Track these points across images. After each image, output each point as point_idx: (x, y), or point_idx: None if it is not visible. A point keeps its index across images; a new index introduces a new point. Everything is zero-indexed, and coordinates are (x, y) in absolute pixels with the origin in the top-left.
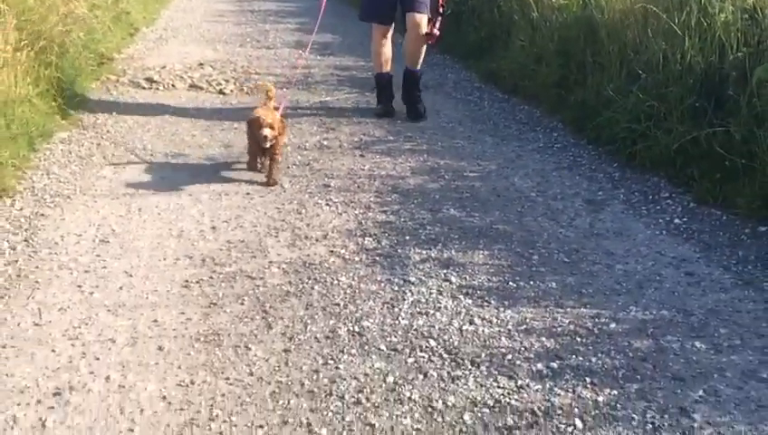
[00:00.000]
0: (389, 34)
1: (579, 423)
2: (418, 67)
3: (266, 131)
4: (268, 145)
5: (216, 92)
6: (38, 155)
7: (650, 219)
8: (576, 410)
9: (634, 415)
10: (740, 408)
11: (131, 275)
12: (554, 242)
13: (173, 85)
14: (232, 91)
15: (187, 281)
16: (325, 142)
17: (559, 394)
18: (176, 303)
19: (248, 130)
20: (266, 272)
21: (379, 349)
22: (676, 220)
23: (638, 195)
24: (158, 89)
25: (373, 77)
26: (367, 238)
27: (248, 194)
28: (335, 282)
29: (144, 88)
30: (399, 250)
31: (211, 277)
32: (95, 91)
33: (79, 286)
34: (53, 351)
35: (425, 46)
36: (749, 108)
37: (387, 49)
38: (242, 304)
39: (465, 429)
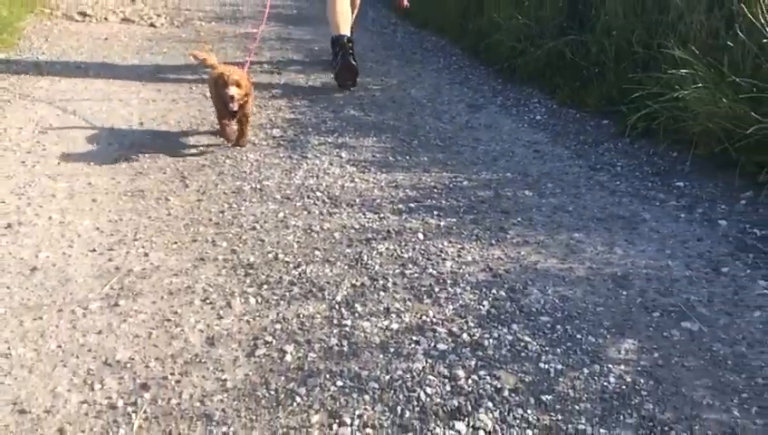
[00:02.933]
0: None
1: (421, 236)
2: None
3: (233, 90)
4: (236, 107)
5: (147, 25)
6: None
7: (517, 117)
8: (421, 229)
9: (464, 232)
10: (545, 228)
11: (68, 155)
12: (434, 132)
13: (105, 18)
14: (162, 24)
15: (116, 158)
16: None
17: (410, 221)
18: (107, 172)
19: (212, 91)
20: (186, 152)
21: (275, 198)
22: (538, 117)
23: (512, 100)
24: (90, 21)
25: (330, 41)
26: (275, 129)
27: (174, 100)
28: (244, 158)
29: (77, 20)
30: (302, 137)
31: (138, 155)
32: (29, 21)
33: (23, 162)
34: (3, 202)
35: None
36: (602, 24)
37: (346, 6)
38: (164, 173)
39: (333, 241)
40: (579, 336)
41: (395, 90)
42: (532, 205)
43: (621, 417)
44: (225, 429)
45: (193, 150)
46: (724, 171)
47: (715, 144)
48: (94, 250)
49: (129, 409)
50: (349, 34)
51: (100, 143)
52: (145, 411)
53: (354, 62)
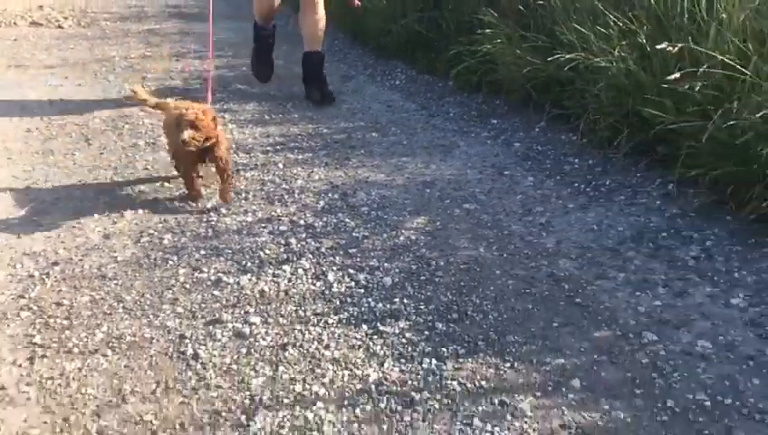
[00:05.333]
0: None
1: (281, 166)
2: (319, 48)
3: (186, 134)
4: (192, 148)
5: (54, 27)
6: None
7: (381, 83)
8: (282, 162)
9: (316, 161)
10: (381, 156)
11: None
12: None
13: (14, 23)
14: (70, 25)
15: (28, 129)
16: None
17: (274, 157)
18: (20, 138)
19: (167, 136)
20: (90, 122)
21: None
22: (398, 82)
23: (379, 71)
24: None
25: (253, 30)
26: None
27: (79, 85)
28: (142, 123)
29: None
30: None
31: (48, 126)
32: None
33: None
34: None
35: (324, 23)
36: (445, 2)
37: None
38: (70, 137)
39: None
40: (386, 217)
41: (280, 69)
42: (375, 142)
43: (402, 257)
44: (116, 282)
45: (96, 120)
46: (528, 109)
47: (520, 88)
48: (11, 190)
49: (44, 277)
50: (271, 28)
51: (13, 119)
52: (55, 277)
53: (270, 68)
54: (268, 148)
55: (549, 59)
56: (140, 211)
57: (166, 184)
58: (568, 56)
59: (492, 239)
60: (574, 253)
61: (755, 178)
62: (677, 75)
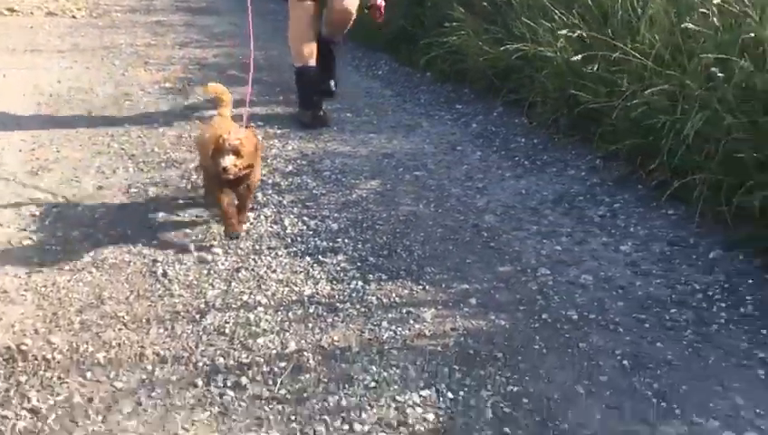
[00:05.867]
0: (315, 12)
1: (260, 138)
2: (338, 39)
3: (228, 161)
4: (231, 177)
5: (69, 17)
6: None
7: (364, 74)
8: (261, 134)
9: (291, 136)
10: (351, 132)
11: (4, 104)
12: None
13: (31, 13)
14: (82, 15)
15: (38, 103)
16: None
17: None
18: (32, 109)
19: (200, 154)
20: (94, 98)
21: (159, 120)
22: (380, 72)
23: (365, 63)
24: (17, 15)
25: (294, 72)
26: (167, 83)
27: (87, 68)
28: (140, 100)
29: (5, 15)
30: (189, 86)
31: (56, 100)
32: None
33: None
34: None
35: (355, 11)
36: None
37: (313, 33)
38: (75, 109)
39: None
40: (344, 179)
41: (274, 59)
42: (348, 121)
43: (351, 209)
44: (104, 221)
45: (99, 96)
46: (490, 95)
47: (483, 77)
48: (21, 150)
49: (44, 216)
50: (315, 65)
51: (26, 94)
52: (53, 217)
53: (323, 113)
54: (250, 124)
55: (500, 48)
56: (131, 170)
57: (155, 149)
58: (516, 46)
59: (432, 199)
60: (499, 210)
61: (657, 149)
62: (579, 57)
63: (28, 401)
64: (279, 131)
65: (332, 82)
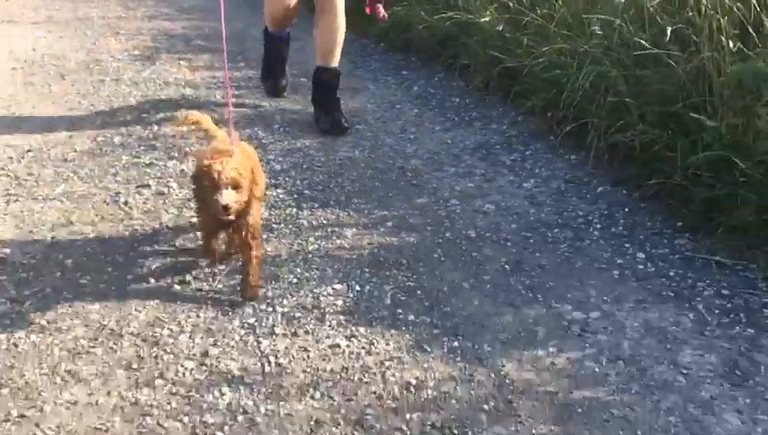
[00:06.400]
0: None
1: (219, 98)
2: (335, 63)
3: (226, 197)
4: (231, 216)
5: None
6: None
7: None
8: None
9: (247, 100)
10: (303, 94)
11: None
12: (250, 40)
13: None
14: None
15: (14, 67)
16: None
17: (215, 93)
18: (8, 73)
19: (195, 189)
20: (66, 63)
21: (133, 82)
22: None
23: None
24: None
25: (263, 36)
26: (135, 51)
27: (60, 37)
28: (110, 66)
29: None
30: (156, 54)
31: (30, 66)
32: None
33: None
34: None
35: (343, 31)
36: None
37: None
38: (49, 74)
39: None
40: (290, 131)
41: (239, 31)
42: (301, 85)
43: (294, 155)
44: (74, 163)
45: (71, 63)
46: (434, 62)
47: (428, 45)
48: None
49: (20, 158)
50: (287, 28)
51: (2, 61)
52: (28, 159)
53: (282, 83)
54: (212, 85)
55: (435, 17)
56: (99, 122)
57: (122, 106)
58: (449, 14)
59: (367, 147)
60: (425, 156)
61: (565, 102)
62: (501, 26)
63: (8, 292)
64: (237, 92)
65: (339, 115)
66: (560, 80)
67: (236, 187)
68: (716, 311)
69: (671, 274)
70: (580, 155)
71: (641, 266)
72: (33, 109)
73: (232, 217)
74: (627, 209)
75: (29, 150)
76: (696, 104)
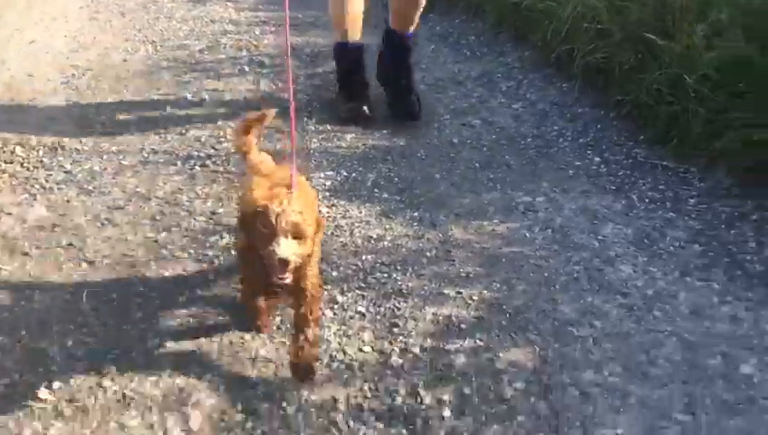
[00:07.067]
0: None
1: (257, 31)
2: (411, 29)
3: (285, 249)
4: (287, 280)
5: None
6: None
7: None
8: (258, 30)
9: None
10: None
11: (57, 8)
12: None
13: None
14: None
15: (81, 6)
16: None
17: (255, 30)
18: (75, 11)
19: (240, 238)
20: (126, 3)
21: (180, 20)
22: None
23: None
24: None
25: (332, 50)
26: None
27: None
28: (165, 7)
29: None
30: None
31: (96, 4)
32: None
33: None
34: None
35: None
36: None
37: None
38: (111, 12)
39: (213, 43)
40: (317, 61)
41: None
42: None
43: (314, 80)
44: (127, 74)
45: (131, 3)
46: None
47: None
48: (66, 36)
49: (81, 75)
50: (358, 39)
51: (70, 3)
52: (88, 77)
53: (365, 108)
54: (252, 23)
55: None
56: (150, 50)
57: (171, 37)
58: None
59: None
60: (431, 82)
61: (556, 31)
62: None
63: (64, 167)
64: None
65: (413, 98)
66: (556, 12)
67: (298, 236)
68: (647, 199)
69: (620, 174)
70: (570, 83)
71: (594, 168)
72: (95, 39)
73: (288, 280)
74: (599, 126)
75: (89, 69)
76: (664, 29)
